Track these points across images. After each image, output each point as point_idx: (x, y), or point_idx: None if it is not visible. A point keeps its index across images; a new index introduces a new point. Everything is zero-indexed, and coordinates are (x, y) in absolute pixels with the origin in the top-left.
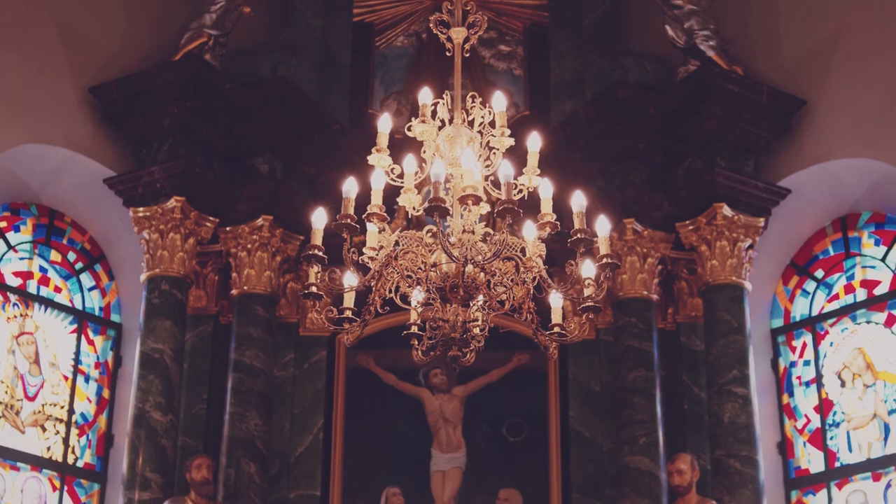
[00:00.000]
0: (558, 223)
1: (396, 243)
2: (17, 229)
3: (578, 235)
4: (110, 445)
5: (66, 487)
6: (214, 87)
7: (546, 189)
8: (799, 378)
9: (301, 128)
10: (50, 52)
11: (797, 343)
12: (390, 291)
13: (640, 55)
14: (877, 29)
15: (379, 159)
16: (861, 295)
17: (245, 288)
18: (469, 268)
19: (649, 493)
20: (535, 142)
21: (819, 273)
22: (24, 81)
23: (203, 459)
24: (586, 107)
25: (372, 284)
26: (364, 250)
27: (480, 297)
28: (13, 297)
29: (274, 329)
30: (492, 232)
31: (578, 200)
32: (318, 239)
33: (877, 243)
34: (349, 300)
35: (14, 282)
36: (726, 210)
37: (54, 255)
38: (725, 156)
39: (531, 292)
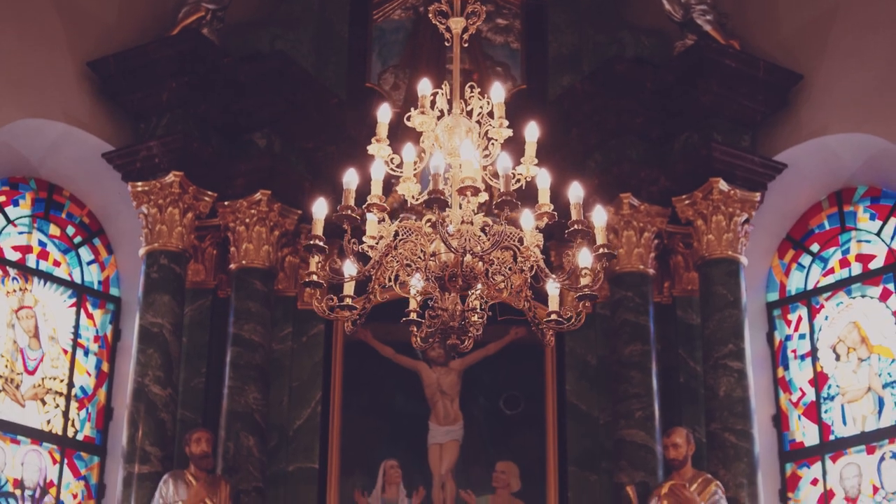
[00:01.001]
0: (555, 213)
1: (396, 233)
2: (15, 204)
3: (575, 226)
4: (110, 418)
5: (66, 460)
6: (212, 61)
7: (543, 179)
8: (794, 352)
9: (299, 102)
10: (48, 26)
11: (792, 317)
12: (390, 280)
13: (638, 29)
14: (874, 5)
15: (378, 149)
16: (856, 269)
17: (243, 262)
18: (468, 257)
19: (645, 466)
20: (532, 131)
21: (814, 247)
22: (22, 56)
23: (202, 433)
24: (583, 81)
25: (372, 273)
26: (364, 239)
27: (479, 286)
28: (12, 272)
29: (272, 303)
30: (490, 223)
31: (575, 192)
32: (318, 229)
33: (872, 218)
34: (349, 288)
35: (13, 256)
36: (722, 185)
37: (53, 230)
38: (722, 130)
39: (528, 280)
